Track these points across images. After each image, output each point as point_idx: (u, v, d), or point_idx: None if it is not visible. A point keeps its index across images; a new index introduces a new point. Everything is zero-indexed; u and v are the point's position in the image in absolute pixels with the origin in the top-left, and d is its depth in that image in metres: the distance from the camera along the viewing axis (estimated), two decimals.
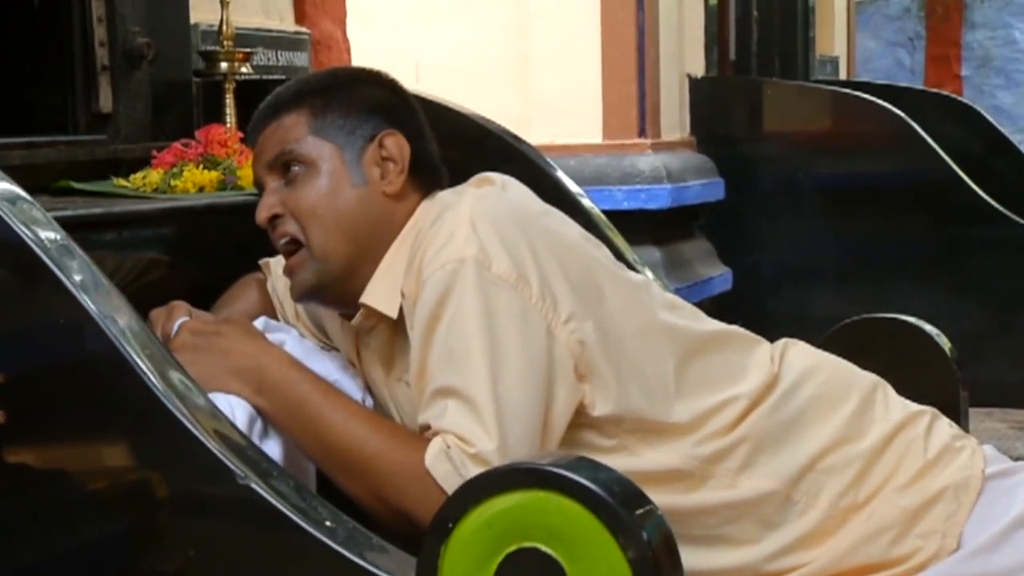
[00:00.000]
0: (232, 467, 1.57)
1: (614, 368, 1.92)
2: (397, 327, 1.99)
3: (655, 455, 1.96)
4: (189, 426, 1.58)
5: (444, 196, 2.03)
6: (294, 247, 2.02)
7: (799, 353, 2.12)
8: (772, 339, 2.14)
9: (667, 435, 1.96)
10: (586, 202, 2.66)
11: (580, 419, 1.92)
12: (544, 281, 1.88)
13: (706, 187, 4.93)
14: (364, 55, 4.87)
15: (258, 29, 3.11)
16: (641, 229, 4.61)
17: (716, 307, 5.02)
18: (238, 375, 1.93)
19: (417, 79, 4.89)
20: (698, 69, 5.28)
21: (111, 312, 1.63)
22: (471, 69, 4.83)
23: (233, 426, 1.65)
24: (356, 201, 2.01)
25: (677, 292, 4.49)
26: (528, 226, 1.93)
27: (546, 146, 4.67)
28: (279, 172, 2.03)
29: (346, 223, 2.00)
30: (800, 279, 5.27)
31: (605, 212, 4.48)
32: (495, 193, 2.01)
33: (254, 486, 1.57)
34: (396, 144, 2.04)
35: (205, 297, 2.30)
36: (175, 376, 1.63)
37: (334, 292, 2.03)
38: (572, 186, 2.68)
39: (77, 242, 2.14)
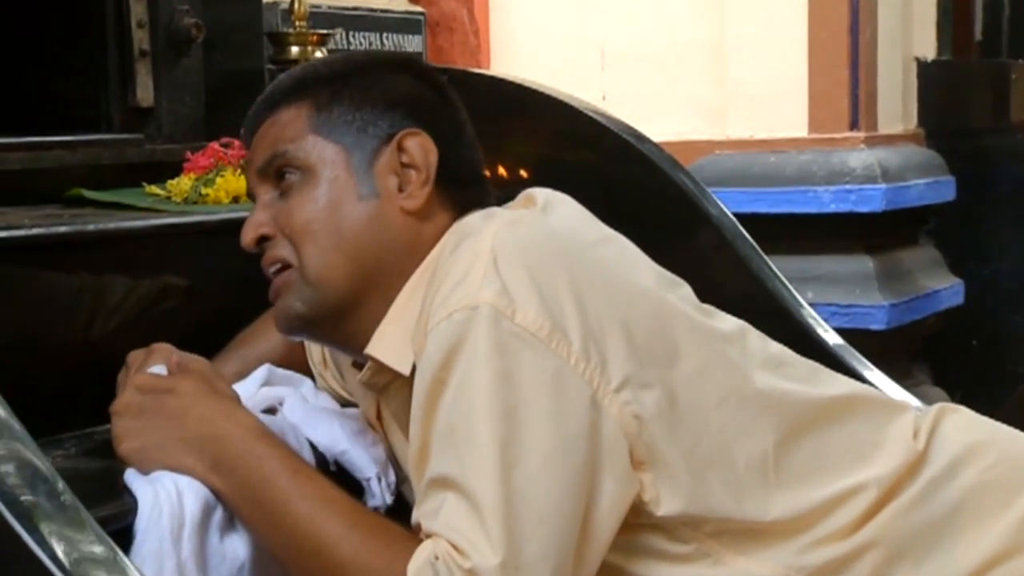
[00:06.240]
0: None
1: (687, 452, 1.44)
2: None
3: (747, 564, 1.48)
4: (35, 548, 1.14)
5: (472, 220, 1.56)
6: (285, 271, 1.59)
7: (958, 424, 1.60)
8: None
9: (764, 538, 1.48)
10: (715, 212, 2.15)
11: (640, 518, 1.44)
12: (590, 334, 1.41)
13: (931, 187, 4.29)
14: (544, 41, 4.44)
15: (357, 8, 2.68)
16: (851, 235, 4.03)
17: (944, 324, 4.40)
18: (191, 447, 1.50)
19: (603, 66, 4.42)
20: (928, 51, 4.64)
21: None
22: (662, 55, 4.31)
23: (105, 539, 1.20)
24: (363, 218, 1.57)
25: (893, 308, 3.98)
26: (572, 260, 1.45)
27: (744, 141, 4.17)
28: (272, 180, 1.62)
29: (348, 246, 1.56)
30: None
31: (809, 216, 3.99)
32: (530, 217, 1.53)
33: None
34: (420, 146, 1.59)
35: (222, 333, 1.89)
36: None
37: (327, 329, 1.60)
38: (701, 194, 2.18)
39: (53, 263, 1.78)
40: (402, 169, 1.59)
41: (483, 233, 1.47)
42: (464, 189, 1.63)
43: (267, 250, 1.61)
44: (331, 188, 1.57)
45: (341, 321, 1.58)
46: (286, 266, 1.59)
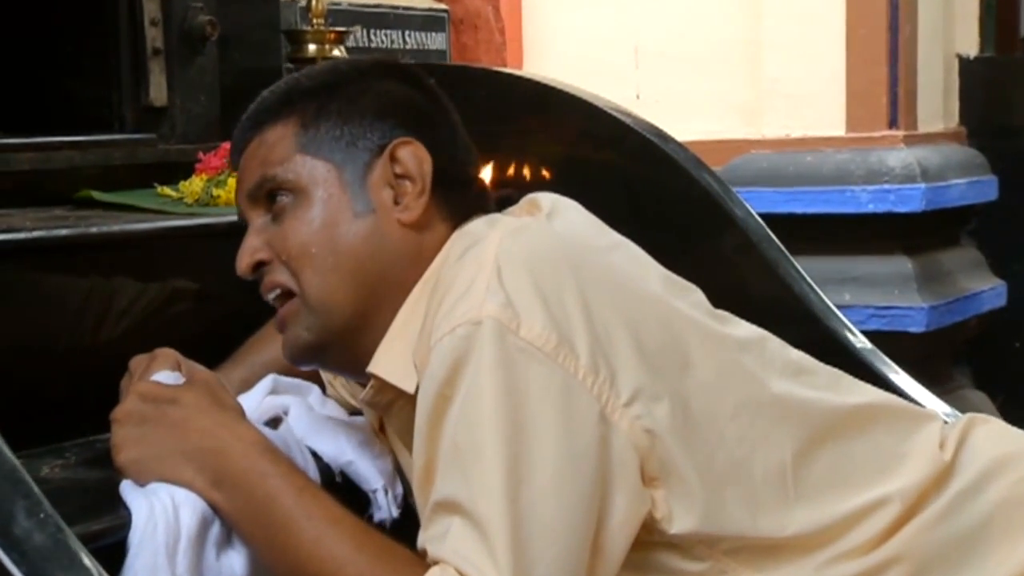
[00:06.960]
0: None
1: (702, 466, 1.39)
2: None
3: None
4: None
5: (475, 227, 1.50)
6: (288, 299, 1.54)
7: (988, 435, 1.54)
8: None
9: (782, 554, 1.42)
10: (741, 214, 2.08)
11: (652, 536, 1.39)
12: (598, 346, 1.35)
13: (973, 186, 4.20)
14: (578, 39, 4.39)
15: (379, 5, 2.62)
16: (890, 236, 3.94)
17: (986, 327, 4.31)
18: (192, 460, 1.45)
19: (637, 65, 4.35)
20: (971, 47, 4.55)
21: None
22: (696, 53, 4.24)
23: (89, 558, 1.14)
24: (361, 235, 1.52)
25: (932, 310, 3.89)
26: (580, 268, 1.40)
27: (780, 140, 4.10)
28: (264, 204, 1.56)
29: (347, 266, 1.51)
30: None
31: (847, 216, 3.91)
32: (535, 224, 1.47)
33: None
34: (413, 156, 1.53)
35: (230, 338, 1.85)
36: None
37: (338, 354, 1.55)
38: (727, 195, 2.12)
39: (55, 267, 1.73)
40: (396, 180, 1.54)
41: (487, 241, 1.42)
42: (462, 195, 1.58)
43: (264, 276, 1.56)
44: (325, 208, 1.52)
45: (349, 343, 1.53)
46: (285, 292, 1.55)
